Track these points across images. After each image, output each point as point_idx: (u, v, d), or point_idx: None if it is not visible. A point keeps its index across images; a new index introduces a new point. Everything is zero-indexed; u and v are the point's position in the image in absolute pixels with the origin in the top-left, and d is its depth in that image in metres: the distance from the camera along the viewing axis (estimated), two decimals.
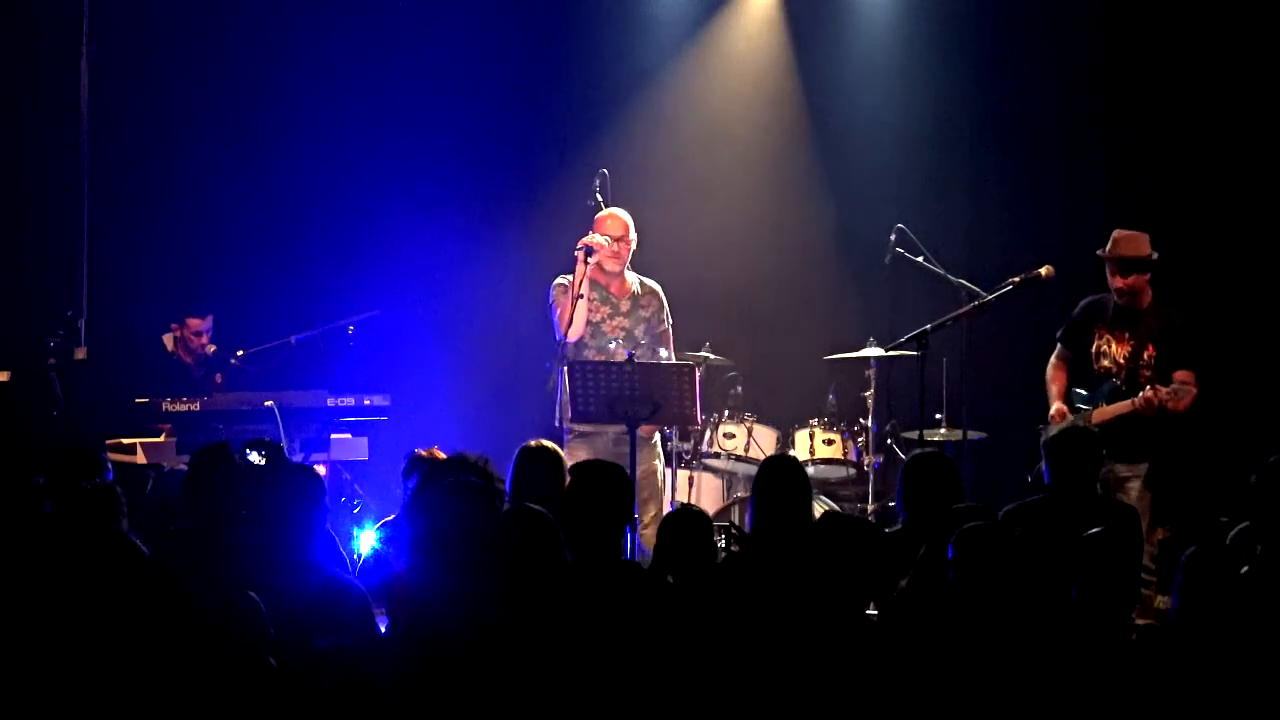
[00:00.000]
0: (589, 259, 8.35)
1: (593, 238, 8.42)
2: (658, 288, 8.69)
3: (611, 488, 5.50)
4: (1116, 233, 8.16)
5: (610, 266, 8.54)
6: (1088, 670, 4.78)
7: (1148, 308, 8.12)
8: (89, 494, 5.34)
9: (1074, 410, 8.10)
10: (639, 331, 8.60)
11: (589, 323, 8.48)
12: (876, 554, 5.06)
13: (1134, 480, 7.85)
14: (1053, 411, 8.19)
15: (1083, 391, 8.16)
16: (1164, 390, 7.77)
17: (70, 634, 4.43)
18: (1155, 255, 8.11)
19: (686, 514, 5.72)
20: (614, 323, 8.60)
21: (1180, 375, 7.89)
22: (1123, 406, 7.87)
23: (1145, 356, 8.03)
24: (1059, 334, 8.34)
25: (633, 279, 8.67)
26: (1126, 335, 8.10)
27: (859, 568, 5.00)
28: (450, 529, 4.96)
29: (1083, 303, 8.30)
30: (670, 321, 8.68)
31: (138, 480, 7.73)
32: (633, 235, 8.59)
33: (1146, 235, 8.14)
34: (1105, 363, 8.13)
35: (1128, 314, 8.12)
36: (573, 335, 8.32)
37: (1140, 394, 7.82)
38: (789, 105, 10.83)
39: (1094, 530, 5.12)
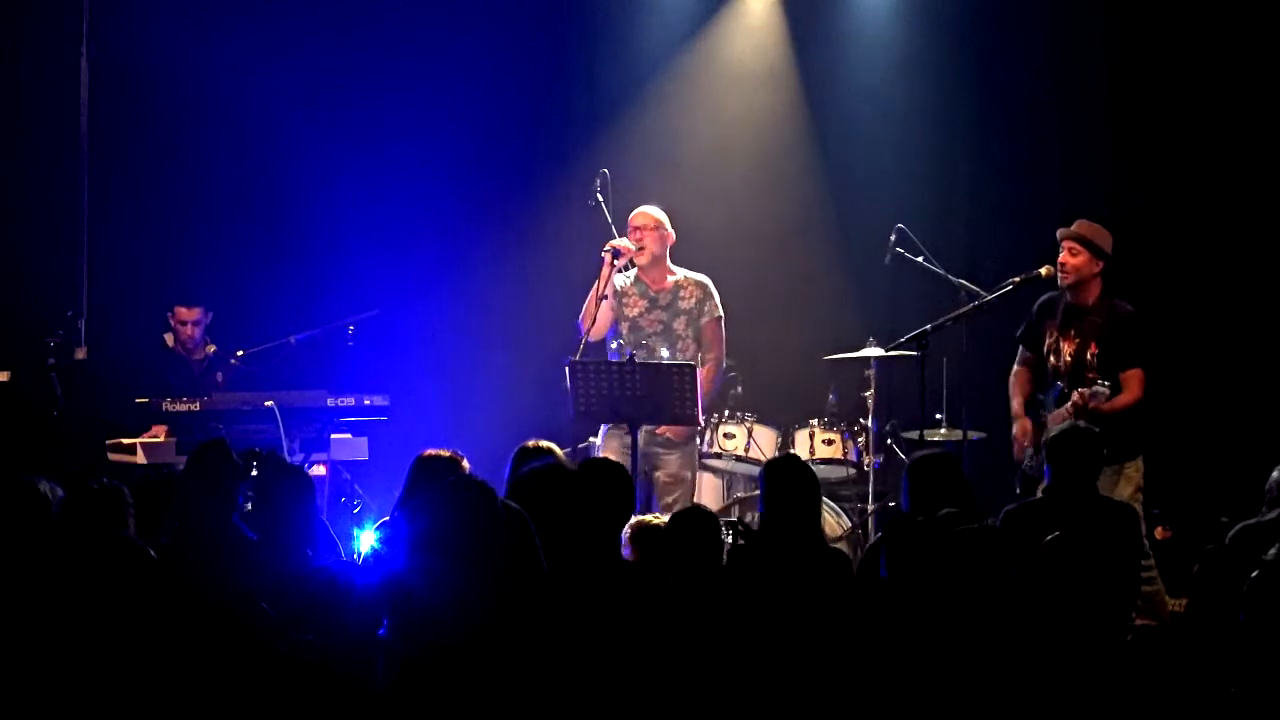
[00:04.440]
0: (615, 261, 8.40)
1: (619, 241, 8.47)
2: (704, 280, 8.72)
3: (612, 487, 5.50)
4: (1081, 220, 8.13)
5: (639, 260, 8.59)
6: (1088, 671, 4.78)
7: (1095, 303, 8.02)
8: (96, 495, 5.31)
9: (1036, 416, 8.05)
10: (678, 324, 8.61)
11: (627, 318, 8.53)
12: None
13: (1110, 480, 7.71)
14: (1015, 431, 8.13)
15: (1042, 397, 8.14)
16: (1084, 392, 7.66)
17: (77, 633, 4.43)
18: (1109, 253, 8.04)
19: (696, 514, 5.69)
20: (652, 316, 8.63)
21: (1124, 375, 7.81)
22: (1067, 410, 7.78)
23: (1089, 355, 7.95)
24: (1018, 334, 8.31)
25: (677, 272, 8.70)
26: (1073, 333, 8.02)
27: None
28: (449, 528, 4.95)
29: (1037, 301, 8.27)
30: (719, 313, 8.70)
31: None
32: (663, 228, 8.62)
33: (1109, 234, 8.10)
34: (1054, 361, 8.08)
35: (1076, 311, 8.04)
36: (594, 336, 8.44)
37: (1071, 398, 7.76)
38: (788, 105, 10.82)
39: (1055, 536, 5.08)
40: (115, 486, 5.39)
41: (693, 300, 8.64)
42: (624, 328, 8.58)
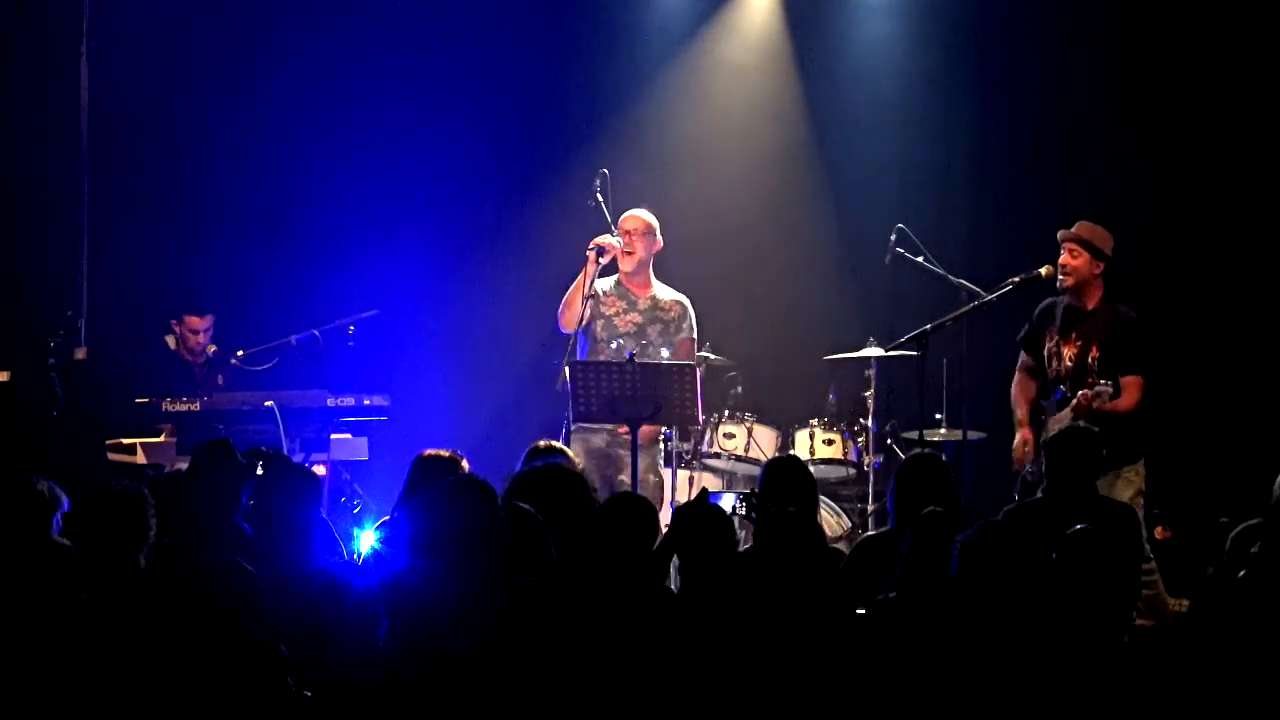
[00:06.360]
0: (600, 259, 8.41)
1: (605, 237, 8.48)
2: (685, 301, 8.75)
3: (636, 524, 5.39)
4: (1081, 221, 8.11)
5: (624, 265, 8.60)
6: (1084, 670, 4.78)
7: (1096, 307, 7.99)
8: (118, 496, 5.27)
9: (1039, 422, 8.03)
10: (652, 331, 8.63)
11: (603, 315, 8.54)
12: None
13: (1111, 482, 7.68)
14: (1016, 441, 8.08)
15: (1045, 403, 8.11)
16: (1087, 393, 7.61)
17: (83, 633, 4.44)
18: (1110, 255, 8.02)
19: (710, 512, 5.60)
20: (628, 318, 8.65)
21: (1124, 381, 7.74)
22: (1069, 412, 7.75)
23: (1090, 359, 7.92)
24: (1019, 338, 8.29)
25: (659, 287, 8.73)
26: (1074, 336, 7.98)
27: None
28: (448, 528, 4.96)
29: (1038, 306, 8.24)
30: (694, 335, 8.75)
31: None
32: (653, 234, 8.65)
33: (1110, 235, 8.08)
34: (1054, 365, 8.05)
35: (1077, 314, 8.00)
36: (566, 327, 8.45)
37: (1074, 399, 7.74)
38: (789, 105, 10.82)
39: (1079, 527, 5.09)
40: (135, 488, 5.34)
41: (671, 315, 8.70)
42: (598, 325, 8.58)
